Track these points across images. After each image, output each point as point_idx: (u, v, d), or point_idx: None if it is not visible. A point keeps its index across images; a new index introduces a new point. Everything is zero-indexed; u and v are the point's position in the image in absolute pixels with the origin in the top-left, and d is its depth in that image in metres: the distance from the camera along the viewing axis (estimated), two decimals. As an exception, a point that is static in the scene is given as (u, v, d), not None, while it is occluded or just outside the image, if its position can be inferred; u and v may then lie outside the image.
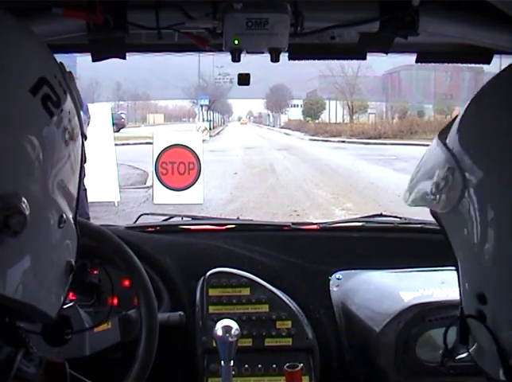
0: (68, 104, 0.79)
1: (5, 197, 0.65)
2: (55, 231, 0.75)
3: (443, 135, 0.83)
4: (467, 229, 0.76)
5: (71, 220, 0.81)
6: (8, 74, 0.71)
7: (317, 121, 32.03)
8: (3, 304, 0.69)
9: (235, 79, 1.18)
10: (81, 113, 0.85)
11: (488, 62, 1.30)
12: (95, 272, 1.45)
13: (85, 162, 0.86)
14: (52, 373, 0.77)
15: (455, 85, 26.67)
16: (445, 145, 0.80)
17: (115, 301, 1.47)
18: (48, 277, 0.76)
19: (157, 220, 1.95)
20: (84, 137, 0.86)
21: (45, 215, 0.73)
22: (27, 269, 0.71)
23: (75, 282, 0.82)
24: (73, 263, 0.80)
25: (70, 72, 0.84)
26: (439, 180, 0.80)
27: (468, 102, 0.81)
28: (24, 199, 0.67)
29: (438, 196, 0.80)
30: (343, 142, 23.00)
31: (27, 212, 0.66)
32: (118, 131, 17.87)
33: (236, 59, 1.10)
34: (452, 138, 0.80)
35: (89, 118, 4.98)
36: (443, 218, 0.86)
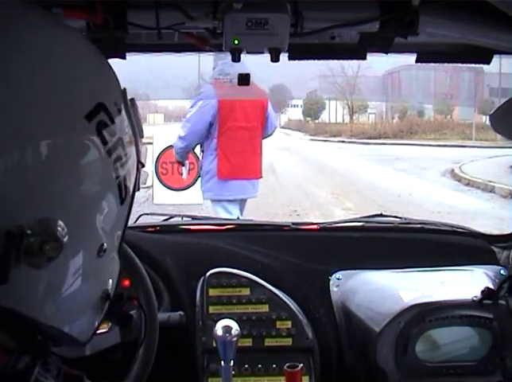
0: (125, 132, 0.77)
1: (42, 223, 0.63)
2: (93, 259, 0.73)
3: None
4: None
5: (114, 249, 0.78)
6: (66, 95, 0.69)
7: (317, 121, 32.02)
8: (35, 327, 0.68)
9: (235, 80, 1.18)
10: (140, 141, 0.83)
11: (488, 62, 1.30)
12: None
13: (138, 190, 0.83)
14: None
15: (455, 85, 26.65)
16: None
17: None
18: (83, 304, 0.74)
19: (157, 220, 1.95)
20: (141, 165, 0.83)
21: (84, 243, 0.71)
22: (61, 295, 0.70)
23: (110, 312, 0.80)
24: (110, 291, 0.78)
25: (132, 99, 0.82)
26: None
27: None
28: (62, 225, 0.64)
29: None
30: (343, 142, 22.98)
31: (64, 239, 0.64)
32: (118, 131, 17.75)
33: (236, 59, 1.10)
34: None
35: None
36: None
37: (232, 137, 3.93)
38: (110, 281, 0.79)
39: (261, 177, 4.22)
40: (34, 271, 0.64)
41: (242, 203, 4.18)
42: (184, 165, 4.74)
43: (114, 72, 0.80)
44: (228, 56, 1.13)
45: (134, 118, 0.81)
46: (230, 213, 3.97)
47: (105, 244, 0.74)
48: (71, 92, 0.70)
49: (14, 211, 0.63)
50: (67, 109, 0.68)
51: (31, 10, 0.73)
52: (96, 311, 0.77)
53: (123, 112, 0.77)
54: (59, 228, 0.64)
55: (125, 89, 0.80)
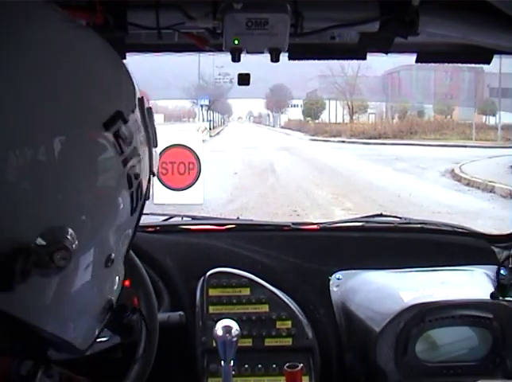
0: (141, 142, 0.75)
1: (52, 231, 0.63)
2: (101, 269, 0.72)
3: None
4: None
5: (121, 259, 0.78)
6: (85, 101, 0.68)
7: (317, 121, 31.98)
8: (37, 334, 0.68)
9: (235, 79, 1.18)
10: (154, 150, 0.82)
11: (488, 62, 1.30)
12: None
13: (147, 199, 0.82)
14: None
15: (455, 85, 26.64)
16: None
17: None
18: (85, 313, 0.73)
19: (157, 220, 1.95)
20: (152, 174, 0.82)
21: (93, 253, 0.70)
22: (64, 303, 0.69)
23: (111, 322, 0.79)
24: (113, 301, 0.77)
25: (150, 108, 0.81)
26: None
27: None
28: (73, 234, 0.64)
29: None
30: (343, 142, 22.97)
31: (73, 248, 0.64)
32: (118, 131, 17.71)
33: (236, 59, 1.10)
34: None
35: None
36: None
37: None
38: (115, 290, 0.78)
39: None
40: (42, 280, 0.64)
41: None
42: None
43: (132, 80, 0.79)
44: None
45: (150, 128, 0.80)
46: None
47: (113, 255, 0.73)
48: (90, 100, 0.69)
49: (25, 219, 0.62)
50: (85, 117, 0.67)
51: (54, 14, 0.73)
52: (98, 320, 0.76)
53: (139, 121, 0.76)
54: (69, 237, 0.64)
55: (142, 97, 0.79)
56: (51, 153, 0.63)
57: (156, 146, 0.83)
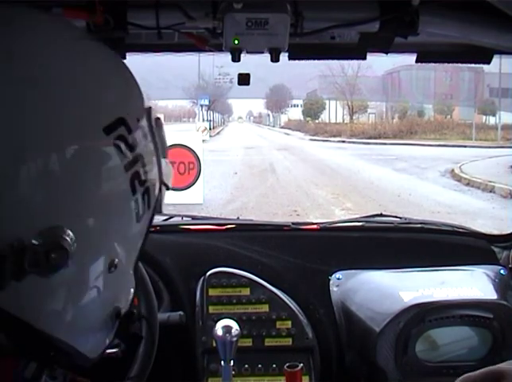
0: (147, 150, 0.76)
1: (50, 231, 0.63)
2: (104, 274, 0.72)
3: None
4: None
5: (128, 267, 0.77)
6: (87, 106, 0.69)
7: (317, 121, 31.99)
8: (43, 340, 0.67)
9: (235, 79, 1.18)
10: (164, 161, 0.82)
11: (488, 62, 1.30)
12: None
13: (159, 212, 0.82)
14: None
15: (455, 85, 26.65)
16: None
17: None
18: (91, 319, 0.73)
19: (157, 220, 1.95)
20: (166, 187, 0.82)
21: (94, 256, 0.70)
22: (68, 307, 0.69)
23: (118, 331, 0.78)
24: (121, 309, 0.77)
25: (158, 119, 0.82)
26: None
27: None
28: (71, 234, 0.64)
29: None
30: (343, 142, 22.98)
31: (71, 248, 0.64)
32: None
33: (236, 59, 1.10)
34: None
35: None
36: None
37: None
38: (123, 299, 0.78)
39: None
40: (42, 280, 0.64)
41: None
42: None
43: (139, 89, 0.79)
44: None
45: (158, 138, 0.80)
46: None
47: (116, 260, 0.73)
48: (92, 104, 0.70)
49: (23, 219, 0.62)
50: (85, 120, 0.68)
51: (57, 23, 0.75)
52: (105, 328, 0.75)
53: (146, 130, 0.77)
54: (67, 237, 0.64)
55: (150, 107, 0.80)
56: (52, 158, 0.64)
57: (164, 157, 0.83)
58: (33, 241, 0.62)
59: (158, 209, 0.83)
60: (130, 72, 0.80)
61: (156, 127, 0.80)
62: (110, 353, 0.82)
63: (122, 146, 0.70)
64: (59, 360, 0.74)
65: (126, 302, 0.78)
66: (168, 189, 0.84)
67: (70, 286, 0.68)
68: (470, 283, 1.52)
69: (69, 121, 0.67)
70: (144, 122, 0.77)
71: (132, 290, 0.80)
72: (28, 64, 0.66)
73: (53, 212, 0.64)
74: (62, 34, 0.74)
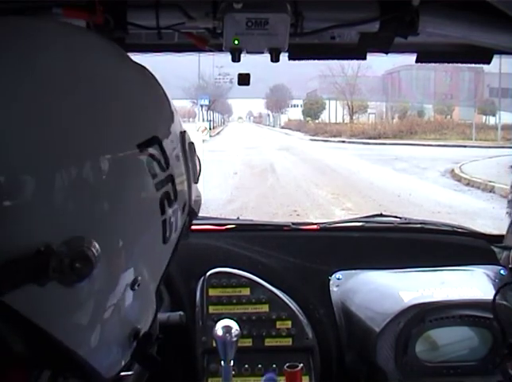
0: (178, 172, 0.77)
1: (76, 240, 0.63)
2: (125, 291, 0.71)
3: None
4: None
5: (151, 287, 0.77)
6: (128, 119, 0.70)
7: (317, 121, 32.00)
8: (61, 351, 0.67)
9: (235, 79, 1.18)
10: (195, 187, 0.82)
11: (488, 62, 1.30)
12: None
13: (185, 239, 0.82)
14: None
15: (455, 85, 26.65)
16: None
17: None
18: (109, 337, 0.72)
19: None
20: (194, 213, 0.83)
21: (117, 271, 0.70)
22: (88, 321, 0.68)
23: (135, 352, 0.77)
24: (140, 330, 0.76)
25: (192, 143, 0.83)
26: None
27: None
28: (96, 246, 0.64)
29: None
30: (343, 142, 22.98)
31: (95, 261, 0.64)
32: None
33: (236, 59, 1.10)
34: None
35: None
36: None
37: None
38: (142, 320, 0.77)
39: None
40: (64, 290, 0.64)
41: None
42: None
43: (176, 113, 0.81)
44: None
45: (191, 162, 0.81)
46: None
47: (139, 278, 0.72)
48: (131, 119, 0.71)
49: (53, 225, 0.63)
50: (122, 133, 0.69)
51: (102, 42, 0.76)
52: (123, 348, 0.75)
53: (179, 152, 0.78)
54: (92, 249, 0.64)
55: (185, 131, 0.82)
56: (83, 169, 0.64)
57: (196, 183, 0.84)
58: (60, 248, 0.62)
59: (185, 236, 0.83)
60: (167, 96, 0.82)
61: (189, 151, 0.81)
62: (124, 376, 0.81)
63: (155, 164, 0.71)
64: (73, 376, 0.73)
65: (145, 323, 0.78)
66: (196, 216, 0.84)
67: (91, 299, 0.68)
68: (470, 283, 1.52)
69: (107, 133, 0.67)
70: (177, 144, 0.78)
71: (152, 311, 0.79)
72: (72, 75, 0.67)
73: (82, 223, 0.64)
74: (110, 52, 0.76)
